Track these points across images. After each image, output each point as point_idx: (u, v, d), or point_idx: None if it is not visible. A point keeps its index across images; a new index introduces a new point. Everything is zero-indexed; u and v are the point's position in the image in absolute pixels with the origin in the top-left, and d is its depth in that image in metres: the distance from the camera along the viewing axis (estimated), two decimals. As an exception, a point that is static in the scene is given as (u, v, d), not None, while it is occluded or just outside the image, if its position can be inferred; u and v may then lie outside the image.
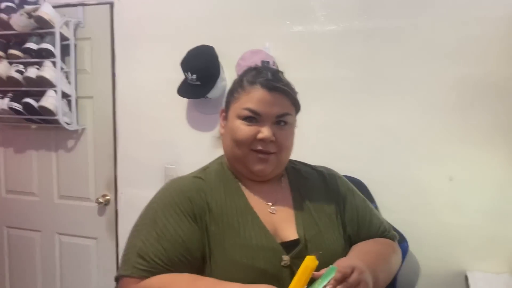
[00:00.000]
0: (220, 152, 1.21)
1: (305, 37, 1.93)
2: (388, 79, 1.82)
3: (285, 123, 1.09)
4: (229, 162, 1.15)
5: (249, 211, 1.06)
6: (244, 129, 1.06)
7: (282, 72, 1.14)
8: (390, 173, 1.83)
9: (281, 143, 1.08)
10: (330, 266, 0.90)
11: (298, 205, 1.13)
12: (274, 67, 1.15)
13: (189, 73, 1.92)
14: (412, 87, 1.79)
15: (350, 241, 1.16)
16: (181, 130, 2.17)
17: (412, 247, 1.77)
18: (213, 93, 1.98)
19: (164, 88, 2.15)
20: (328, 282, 0.88)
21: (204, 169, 1.18)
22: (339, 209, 1.17)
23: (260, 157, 1.07)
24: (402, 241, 1.67)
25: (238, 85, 1.11)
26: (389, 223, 1.28)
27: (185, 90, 2.01)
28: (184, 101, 2.12)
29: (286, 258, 1.00)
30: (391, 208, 1.81)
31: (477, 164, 1.73)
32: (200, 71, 1.91)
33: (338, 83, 1.89)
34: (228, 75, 2.03)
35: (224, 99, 1.18)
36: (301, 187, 1.18)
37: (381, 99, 1.83)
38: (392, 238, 1.24)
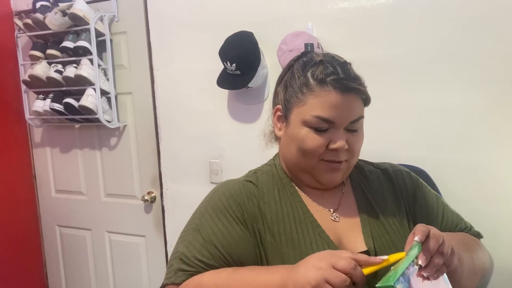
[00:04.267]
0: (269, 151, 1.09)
1: (353, 13, 1.75)
2: (448, 55, 1.62)
3: (358, 127, 0.95)
4: (288, 169, 1.02)
5: (309, 219, 0.94)
6: (314, 139, 0.91)
7: (350, 64, 0.97)
8: (457, 159, 1.64)
9: (353, 149, 0.94)
10: (414, 242, 0.77)
11: (364, 211, 0.99)
12: (342, 59, 0.97)
13: (228, 63, 1.80)
14: (476, 62, 1.58)
15: None
16: (223, 123, 2.07)
17: (484, 240, 1.59)
18: (255, 82, 1.86)
19: (203, 79, 2.05)
20: (416, 258, 0.75)
21: (255, 172, 1.05)
22: (409, 211, 1.03)
23: (331, 167, 0.94)
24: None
25: (302, 83, 0.93)
26: (470, 223, 1.12)
27: (225, 80, 1.90)
28: (225, 91, 2.02)
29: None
30: (458, 198, 1.62)
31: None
32: (239, 60, 1.79)
33: (393, 62, 1.70)
34: (270, 62, 1.90)
35: (281, 93, 1.00)
36: (366, 189, 1.04)
37: (443, 77, 1.63)
38: (476, 235, 1.08)
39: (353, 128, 0.93)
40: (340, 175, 0.96)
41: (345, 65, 0.94)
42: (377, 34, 1.72)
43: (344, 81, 0.89)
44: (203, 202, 1.01)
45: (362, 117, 0.95)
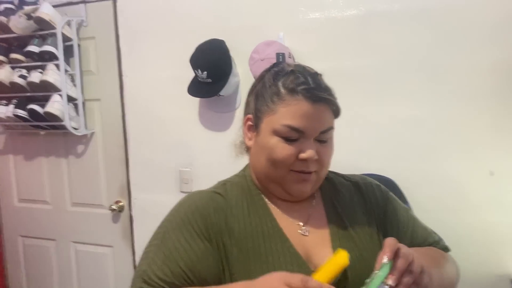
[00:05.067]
0: (241, 159, 1.07)
1: (323, 24, 1.76)
2: (417, 66, 1.65)
3: (328, 138, 0.94)
4: (257, 179, 1.00)
5: (278, 233, 0.92)
6: (283, 148, 0.90)
7: (321, 75, 0.96)
8: (423, 169, 1.67)
9: (322, 160, 0.92)
10: (383, 261, 0.76)
11: (334, 224, 0.98)
12: (312, 70, 0.96)
13: (199, 70, 1.78)
14: (444, 74, 1.62)
15: None
16: (194, 131, 2.04)
17: (450, 249, 1.62)
18: (226, 90, 1.84)
19: (174, 87, 2.02)
20: (385, 278, 0.74)
21: (224, 183, 1.03)
22: (379, 224, 1.03)
23: (300, 177, 0.92)
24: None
25: (273, 92, 0.92)
26: (439, 236, 1.13)
27: (196, 88, 1.87)
28: (196, 99, 1.99)
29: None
30: (425, 208, 1.65)
31: (521, 156, 1.56)
32: (210, 68, 1.77)
33: (361, 72, 1.73)
34: (241, 70, 1.89)
35: (252, 103, 0.99)
36: (336, 202, 1.03)
37: (410, 88, 1.67)
38: (443, 250, 1.09)
39: (323, 138, 0.93)
40: (310, 187, 0.95)
41: (316, 76, 0.94)
42: (347, 45, 1.74)
43: (315, 91, 0.89)
44: (169, 215, 0.97)
45: (332, 128, 0.94)
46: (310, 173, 0.92)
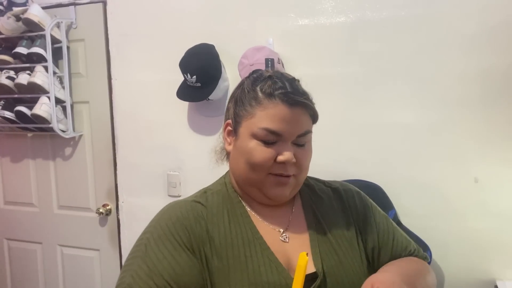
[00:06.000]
0: (222, 167, 1.08)
1: (312, 30, 1.78)
2: (403, 73, 1.67)
3: (305, 141, 0.95)
4: (237, 184, 1.01)
5: (258, 241, 0.92)
6: (261, 151, 0.91)
7: (298, 81, 0.99)
8: (409, 175, 1.69)
9: (301, 164, 0.94)
10: None
11: (313, 230, 0.99)
12: (290, 76, 0.98)
13: (189, 75, 1.79)
14: (430, 81, 1.64)
15: (372, 267, 1.03)
16: (182, 134, 2.04)
17: (435, 255, 1.64)
18: (215, 95, 1.85)
19: (163, 90, 2.02)
20: None
21: (205, 191, 1.03)
22: (359, 231, 1.03)
23: (278, 181, 0.93)
24: (425, 249, 1.54)
25: (251, 97, 0.94)
26: (417, 244, 1.14)
27: (185, 92, 1.88)
28: (185, 103, 2.00)
29: None
30: (411, 214, 1.69)
31: (505, 163, 1.58)
32: (200, 72, 1.77)
33: (348, 79, 1.74)
34: (231, 75, 1.90)
35: (231, 108, 1.00)
36: (316, 208, 1.04)
37: (396, 95, 1.69)
38: (422, 259, 1.10)
39: (301, 142, 0.94)
40: (289, 190, 0.96)
41: (293, 81, 0.96)
42: (336, 51, 1.75)
43: (291, 95, 0.91)
44: (149, 226, 0.97)
45: (309, 131, 0.95)
46: (288, 176, 0.93)
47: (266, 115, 0.91)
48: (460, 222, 1.64)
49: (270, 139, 0.91)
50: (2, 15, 2.12)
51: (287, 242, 0.96)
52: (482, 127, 1.60)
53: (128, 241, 2.20)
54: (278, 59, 1.75)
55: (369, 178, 1.70)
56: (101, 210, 2.22)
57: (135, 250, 0.93)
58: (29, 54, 2.09)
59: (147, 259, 0.88)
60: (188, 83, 1.83)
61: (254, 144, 0.92)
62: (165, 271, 0.86)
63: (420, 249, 1.12)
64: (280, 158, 0.90)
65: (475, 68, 1.59)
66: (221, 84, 1.85)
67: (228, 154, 1.04)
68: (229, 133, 1.00)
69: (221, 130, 1.04)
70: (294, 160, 0.91)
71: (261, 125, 0.91)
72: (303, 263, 0.80)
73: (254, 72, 1.02)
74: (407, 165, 1.70)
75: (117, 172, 2.20)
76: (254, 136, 0.92)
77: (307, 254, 0.82)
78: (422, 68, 1.65)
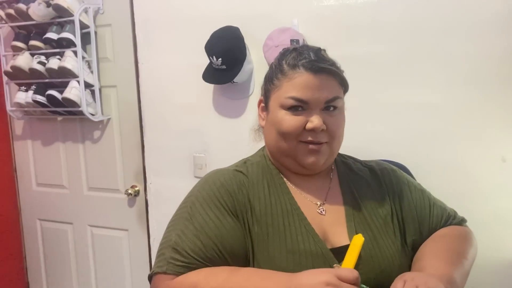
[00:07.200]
0: (254, 145, 1.11)
1: (337, 10, 1.77)
2: (431, 52, 1.66)
3: (335, 108, 0.97)
4: (273, 157, 1.04)
5: (296, 212, 0.96)
6: (290, 120, 0.94)
7: (324, 50, 1.01)
8: (435, 156, 1.69)
9: (332, 131, 0.96)
10: None
11: (349, 205, 1.01)
12: (315, 47, 1.00)
13: (214, 57, 1.81)
14: (457, 61, 1.63)
15: (413, 244, 1.04)
16: (208, 117, 2.08)
17: (466, 220, 1.64)
18: (240, 77, 1.87)
19: (189, 74, 2.05)
20: None
21: (245, 161, 1.07)
22: (395, 209, 1.05)
23: (311, 148, 0.95)
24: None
25: (278, 70, 0.98)
26: (452, 209, 1.15)
27: (210, 75, 1.90)
28: (210, 86, 2.02)
29: (337, 266, 0.89)
30: (436, 194, 1.66)
31: (534, 143, 1.56)
32: (225, 55, 1.80)
33: (375, 59, 1.73)
34: (255, 57, 1.91)
35: (261, 86, 1.05)
36: (352, 184, 1.06)
37: (423, 75, 1.67)
38: (460, 223, 1.11)
39: (330, 108, 0.96)
40: (322, 159, 0.98)
41: (318, 51, 0.99)
42: (361, 32, 1.75)
43: (315, 62, 0.94)
44: (193, 191, 1.01)
45: (338, 97, 0.97)
46: (320, 143, 0.95)
47: (292, 85, 0.94)
48: (486, 202, 1.64)
49: (298, 107, 0.93)
50: (33, 1, 2.18)
51: (324, 215, 0.98)
52: (509, 106, 1.58)
53: (156, 221, 2.26)
54: (303, 39, 1.76)
55: (395, 158, 1.69)
56: (129, 191, 2.28)
57: (180, 212, 0.97)
58: (59, 39, 2.15)
59: (193, 220, 0.92)
60: (214, 65, 1.85)
61: (282, 114, 0.95)
62: (211, 232, 0.90)
63: (456, 214, 1.13)
64: (309, 125, 0.93)
65: (505, 47, 1.56)
66: (245, 67, 1.87)
67: (263, 129, 1.07)
68: (262, 109, 1.04)
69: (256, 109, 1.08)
70: (324, 127, 0.93)
71: (287, 94, 0.94)
72: (359, 242, 0.83)
73: (283, 50, 1.05)
74: (433, 145, 1.69)
75: (145, 154, 2.26)
76: (282, 106, 0.95)
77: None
78: (450, 48, 1.63)
